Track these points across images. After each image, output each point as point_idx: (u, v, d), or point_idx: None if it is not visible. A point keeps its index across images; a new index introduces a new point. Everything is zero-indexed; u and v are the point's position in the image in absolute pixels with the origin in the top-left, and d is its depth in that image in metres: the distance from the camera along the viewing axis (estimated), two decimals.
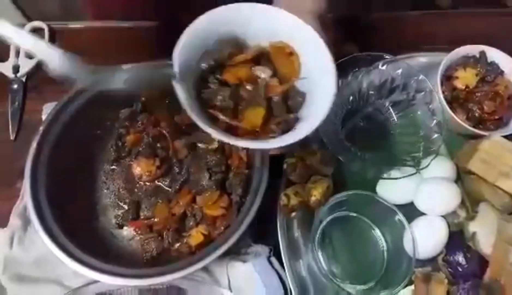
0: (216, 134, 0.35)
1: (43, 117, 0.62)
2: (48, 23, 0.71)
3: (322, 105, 0.38)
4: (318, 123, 0.37)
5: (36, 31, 0.71)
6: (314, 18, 0.43)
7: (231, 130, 0.38)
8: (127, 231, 0.56)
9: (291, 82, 0.41)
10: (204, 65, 0.39)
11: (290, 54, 0.42)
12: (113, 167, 0.59)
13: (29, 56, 0.69)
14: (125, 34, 0.71)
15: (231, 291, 0.52)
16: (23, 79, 0.67)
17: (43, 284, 0.52)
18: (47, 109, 0.63)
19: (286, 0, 0.43)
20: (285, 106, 0.40)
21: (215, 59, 0.39)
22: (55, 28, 0.72)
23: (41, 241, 0.53)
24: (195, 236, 0.52)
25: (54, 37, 0.71)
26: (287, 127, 0.39)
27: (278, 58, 0.41)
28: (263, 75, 0.40)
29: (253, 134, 0.38)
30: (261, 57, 0.42)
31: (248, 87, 0.39)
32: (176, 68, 0.36)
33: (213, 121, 0.38)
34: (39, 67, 0.69)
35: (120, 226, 0.56)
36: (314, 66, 0.40)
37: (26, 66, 0.68)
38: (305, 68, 0.41)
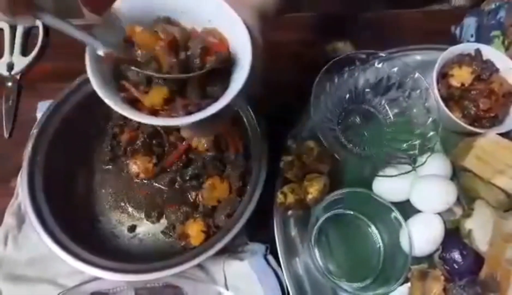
0: (115, 106, 0.34)
1: (38, 115, 0.62)
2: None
3: (234, 88, 0.37)
4: (220, 107, 0.36)
5: (31, 29, 0.71)
6: (253, 13, 0.41)
7: (135, 105, 0.37)
8: (127, 230, 0.56)
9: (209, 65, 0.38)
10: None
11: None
12: (109, 166, 0.59)
13: (23, 54, 0.69)
14: None
15: (227, 290, 0.52)
16: (18, 77, 0.67)
17: (37, 283, 0.52)
18: (41, 107, 0.62)
19: None
20: (201, 91, 0.38)
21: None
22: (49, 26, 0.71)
23: (35, 240, 0.53)
24: (196, 236, 0.52)
25: (48, 35, 0.70)
26: (197, 110, 0.37)
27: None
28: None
29: (155, 112, 0.36)
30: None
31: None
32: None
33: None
34: (33, 64, 0.68)
35: (132, 228, 0.56)
36: (239, 50, 0.39)
37: (20, 64, 0.67)
38: (234, 54, 0.40)
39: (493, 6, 0.70)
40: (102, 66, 0.36)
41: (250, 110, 0.56)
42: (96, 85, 0.34)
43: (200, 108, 0.37)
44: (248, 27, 0.38)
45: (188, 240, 0.52)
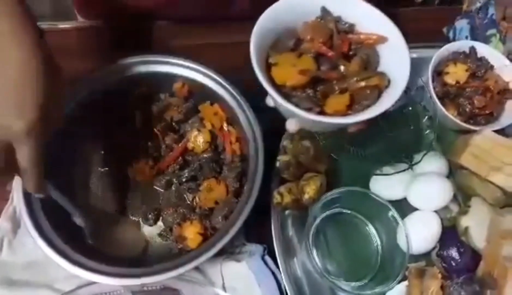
0: (311, 117, 0.37)
1: None
2: (38, 23, 0.70)
3: (399, 76, 0.39)
4: (391, 104, 0.38)
5: None
6: None
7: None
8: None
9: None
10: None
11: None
12: (105, 170, 0.58)
13: None
14: (113, 34, 0.70)
15: (225, 291, 0.52)
16: None
17: (33, 288, 0.51)
18: None
19: None
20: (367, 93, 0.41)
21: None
22: (46, 29, 0.70)
23: (31, 245, 0.53)
24: (193, 239, 0.52)
25: (43, 37, 0.70)
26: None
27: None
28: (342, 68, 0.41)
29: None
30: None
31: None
32: (254, 58, 0.38)
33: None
34: None
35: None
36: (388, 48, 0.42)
37: None
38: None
39: (478, 4, 0.70)
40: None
41: (247, 110, 0.55)
42: (282, 100, 0.37)
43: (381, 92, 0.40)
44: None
45: (185, 242, 0.51)
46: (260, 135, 0.54)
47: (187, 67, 0.57)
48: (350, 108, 0.40)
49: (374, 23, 0.41)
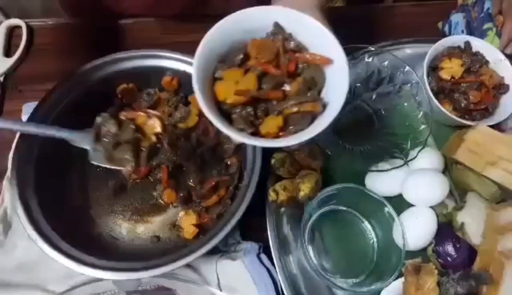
0: (241, 138, 0.36)
1: (23, 117, 0.61)
2: (27, 21, 0.69)
3: (335, 102, 0.38)
4: (327, 124, 0.37)
5: (14, 29, 0.69)
6: (317, 10, 0.43)
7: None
8: (126, 231, 0.55)
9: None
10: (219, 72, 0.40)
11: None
12: (100, 168, 0.57)
13: (7, 55, 0.67)
14: (102, 31, 0.69)
15: (220, 290, 0.52)
16: (1, 79, 0.65)
17: (26, 289, 0.51)
18: (27, 109, 0.61)
19: None
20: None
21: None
22: (34, 26, 0.70)
23: (23, 246, 0.53)
24: (188, 230, 0.52)
25: (32, 35, 0.69)
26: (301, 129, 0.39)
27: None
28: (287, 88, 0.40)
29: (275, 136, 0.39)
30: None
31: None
32: (194, 76, 0.37)
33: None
34: (17, 66, 0.67)
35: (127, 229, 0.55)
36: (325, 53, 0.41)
37: (4, 65, 0.66)
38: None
39: None
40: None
41: None
42: (213, 118, 0.36)
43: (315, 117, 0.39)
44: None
45: (180, 233, 0.53)
46: None
47: (176, 59, 0.57)
48: (283, 130, 0.39)
49: (323, 44, 0.40)
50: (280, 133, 0.38)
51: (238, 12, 0.40)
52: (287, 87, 0.40)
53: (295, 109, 0.38)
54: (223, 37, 0.40)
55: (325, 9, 0.45)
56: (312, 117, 0.39)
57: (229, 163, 0.56)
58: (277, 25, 0.41)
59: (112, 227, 0.55)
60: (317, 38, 0.40)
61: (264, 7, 0.41)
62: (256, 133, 0.38)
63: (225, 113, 0.39)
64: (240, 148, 0.56)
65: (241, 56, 0.40)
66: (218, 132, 0.57)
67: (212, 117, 0.36)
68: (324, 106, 0.39)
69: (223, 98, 0.39)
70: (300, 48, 0.41)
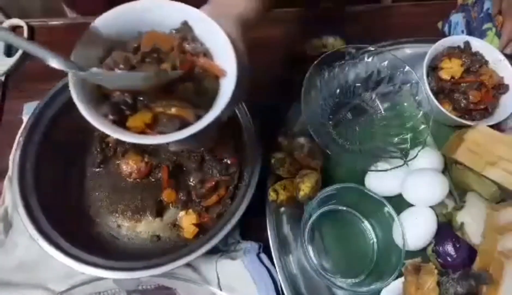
0: (103, 127, 0.34)
1: (24, 117, 0.61)
2: (27, 21, 0.70)
3: (221, 101, 0.37)
4: (208, 121, 0.36)
5: (15, 29, 0.69)
6: (235, 24, 0.41)
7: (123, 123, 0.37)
8: (126, 230, 0.55)
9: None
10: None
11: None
12: (100, 168, 0.58)
13: (8, 55, 0.67)
14: None
15: (220, 290, 0.52)
16: (2, 78, 0.65)
17: (26, 289, 0.51)
18: (27, 109, 0.61)
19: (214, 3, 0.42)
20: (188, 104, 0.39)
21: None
22: (35, 26, 0.70)
23: (23, 245, 0.53)
24: (188, 230, 0.52)
25: (33, 34, 0.69)
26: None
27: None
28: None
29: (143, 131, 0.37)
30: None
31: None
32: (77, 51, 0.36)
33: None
34: (18, 65, 0.67)
35: (127, 228, 0.55)
36: (223, 62, 0.39)
37: (4, 65, 0.66)
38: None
39: None
40: (85, 87, 0.36)
41: (245, 108, 0.55)
42: (83, 109, 0.34)
43: (187, 124, 0.37)
44: (230, 37, 0.38)
45: (180, 232, 0.53)
46: (258, 134, 0.54)
47: None
48: (150, 128, 0.37)
49: (224, 55, 0.38)
50: (147, 131, 0.37)
51: (147, 1, 0.39)
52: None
53: (160, 109, 0.37)
54: (126, 23, 0.39)
55: (251, 21, 0.44)
56: (183, 124, 0.37)
57: (229, 162, 0.56)
58: (185, 24, 0.40)
59: (112, 226, 0.55)
60: (219, 47, 0.39)
61: (175, 2, 0.39)
62: (121, 124, 0.36)
63: (106, 96, 0.36)
64: (240, 148, 0.56)
65: (135, 45, 0.38)
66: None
67: (76, 98, 0.34)
68: (199, 117, 0.37)
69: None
70: (197, 53, 0.39)
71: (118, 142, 0.57)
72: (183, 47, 0.39)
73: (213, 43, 0.39)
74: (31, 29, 0.69)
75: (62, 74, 0.55)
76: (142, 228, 0.55)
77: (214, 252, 0.53)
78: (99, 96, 0.37)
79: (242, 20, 0.42)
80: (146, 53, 0.38)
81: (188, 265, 0.52)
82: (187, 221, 0.53)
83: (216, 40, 0.39)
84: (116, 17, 0.39)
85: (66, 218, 0.51)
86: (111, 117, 0.36)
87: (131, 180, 0.57)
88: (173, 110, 0.37)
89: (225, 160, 0.56)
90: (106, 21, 0.38)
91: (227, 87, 0.37)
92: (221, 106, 0.36)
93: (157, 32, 0.40)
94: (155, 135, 0.36)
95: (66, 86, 0.55)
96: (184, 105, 0.37)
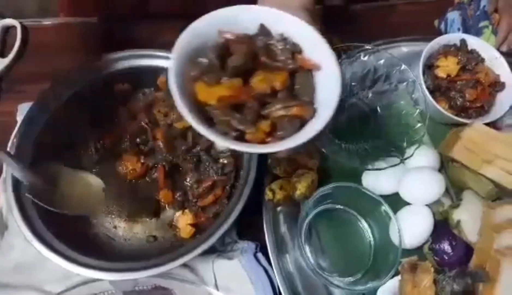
0: (224, 143, 0.34)
1: (18, 118, 0.60)
2: (22, 21, 0.69)
3: (326, 108, 0.36)
4: (319, 129, 0.35)
5: (9, 29, 0.69)
6: (303, 11, 0.41)
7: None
8: (123, 231, 0.55)
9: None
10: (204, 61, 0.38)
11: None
12: (96, 169, 0.57)
13: (1, 55, 0.67)
14: (97, 31, 0.69)
15: (217, 290, 0.52)
16: None
17: (23, 291, 0.51)
18: (22, 110, 0.61)
19: None
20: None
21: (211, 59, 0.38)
22: (29, 26, 0.69)
23: (19, 247, 0.52)
24: (185, 230, 0.52)
25: (27, 35, 0.68)
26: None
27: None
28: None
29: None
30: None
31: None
32: (172, 76, 0.35)
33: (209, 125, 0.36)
34: (12, 66, 0.66)
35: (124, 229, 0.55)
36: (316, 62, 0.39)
37: None
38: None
39: None
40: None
41: None
42: (192, 121, 0.34)
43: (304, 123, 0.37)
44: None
45: (177, 232, 0.53)
46: None
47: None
48: (270, 135, 0.36)
49: (314, 49, 0.39)
50: (267, 139, 0.36)
51: (221, 10, 0.38)
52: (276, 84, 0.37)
53: (281, 113, 0.36)
54: (203, 35, 0.38)
55: (312, 11, 0.44)
56: (302, 123, 0.37)
57: (225, 162, 0.56)
58: (262, 26, 0.39)
59: (109, 227, 0.55)
60: (306, 40, 0.39)
61: (248, 6, 0.39)
62: (240, 138, 0.36)
63: (206, 116, 0.36)
64: None
65: (219, 53, 0.38)
66: None
67: (192, 120, 0.33)
68: (315, 112, 0.37)
69: (204, 99, 0.36)
70: (288, 50, 0.39)
71: (114, 143, 0.57)
72: (271, 49, 0.39)
73: (299, 37, 0.39)
74: (25, 29, 0.68)
75: (55, 75, 0.55)
76: (139, 229, 0.55)
77: (211, 252, 0.52)
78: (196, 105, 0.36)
79: (305, 9, 0.42)
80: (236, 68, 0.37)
81: (185, 265, 0.52)
82: (184, 221, 0.53)
83: (301, 34, 0.39)
84: (197, 28, 0.38)
85: (61, 219, 0.51)
86: (233, 134, 0.35)
87: (127, 180, 0.57)
88: (294, 110, 0.36)
89: (222, 160, 0.56)
90: (192, 33, 0.38)
91: (325, 79, 0.37)
92: (337, 96, 0.36)
93: (240, 36, 0.39)
94: (281, 142, 0.36)
95: (60, 87, 0.55)
96: (300, 103, 0.37)
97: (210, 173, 0.55)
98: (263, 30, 0.40)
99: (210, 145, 0.57)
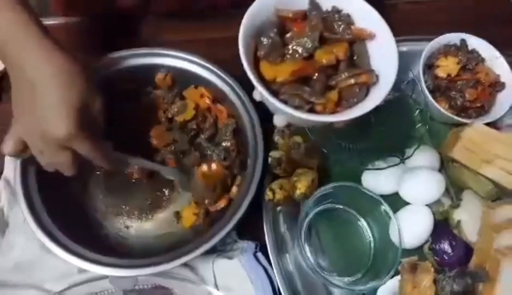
0: (301, 115, 0.36)
1: None
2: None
3: (387, 73, 0.39)
4: (382, 98, 0.38)
5: None
6: None
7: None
8: (135, 230, 0.55)
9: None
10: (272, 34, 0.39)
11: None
12: (101, 170, 0.57)
13: None
14: (96, 30, 0.69)
15: (217, 289, 0.52)
16: None
17: (23, 289, 0.51)
18: None
19: None
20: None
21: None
22: None
23: (20, 245, 0.52)
24: (187, 217, 0.53)
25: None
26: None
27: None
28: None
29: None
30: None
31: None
32: (243, 54, 0.37)
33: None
34: None
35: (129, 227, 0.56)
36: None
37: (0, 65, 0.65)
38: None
39: None
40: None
41: (247, 106, 0.55)
42: (269, 97, 0.37)
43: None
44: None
45: (180, 221, 0.54)
46: (258, 122, 0.54)
47: (169, 55, 0.57)
48: (339, 105, 0.39)
49: (365, 18, 0.41)
50: (337, 109, 0.39)
51: None
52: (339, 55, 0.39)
53: (351, 81, 0.38)
54: (262, 16, 0.40)
55: None
56: (367, 89, 0.39)
57: (228, 144, 0.56)
58: (312, 2, 0.41)
59: (120, 227, 0.55)
60: (358, 12, 0.41)
61: None
62: (311, 111, 0.38)
63: (273, 93, 0.38)
64: (237, 134, 0.56)
65: (278, 32, 0.39)
66: (215, 121, 0.57)
67: (269, 96, 0.36)
68: (377, 77, 0.40)
69: (272, 77, 0.38)
70: (348, 21, 0.41)
71: (117, 143, 0.57)
72: (328, 22, 0.41)
73: (351, 9, 0.41)
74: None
75: None
76: (150, 226, 0.55)
77: (211, 251, 0.52)
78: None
79: None
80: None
81: (185, 264, 0.52)
82: (189, 211, 0.54)
83: (352, 5, 0.41)
84: (257, 11, 0.40)
85: (70, 218, 0.51)
86: (306, 107, 0.38)
87: (135, 180, 0.57)
88: (363, 77, 0.39)
89: (224, 143, 0.56)
90: (255, 11, 0.39)
91: (379, 47, 0.40)
92: (395, 62, 0.39)
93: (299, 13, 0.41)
94: (350, 110, 0.38)
95: None
96: (366, 70, 0.39)
97: (213, 156, 0.56)
98: (314, 5, 0.41)
99: (214, 133, 0.57)
